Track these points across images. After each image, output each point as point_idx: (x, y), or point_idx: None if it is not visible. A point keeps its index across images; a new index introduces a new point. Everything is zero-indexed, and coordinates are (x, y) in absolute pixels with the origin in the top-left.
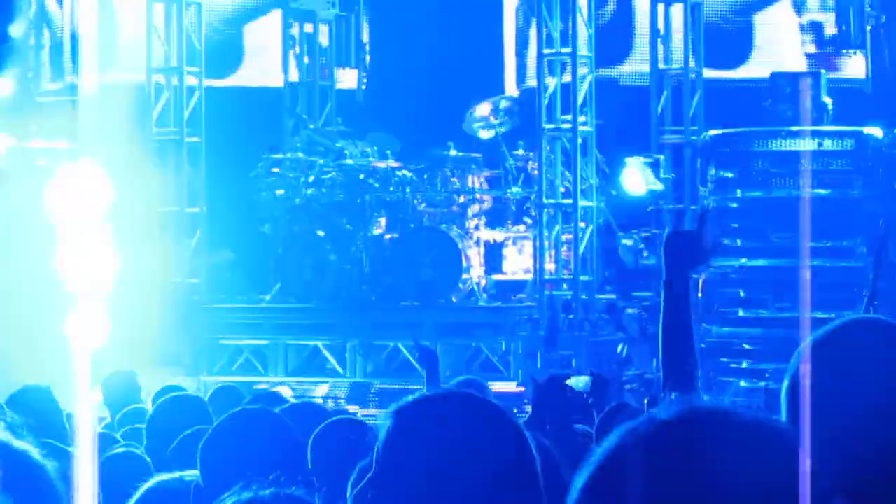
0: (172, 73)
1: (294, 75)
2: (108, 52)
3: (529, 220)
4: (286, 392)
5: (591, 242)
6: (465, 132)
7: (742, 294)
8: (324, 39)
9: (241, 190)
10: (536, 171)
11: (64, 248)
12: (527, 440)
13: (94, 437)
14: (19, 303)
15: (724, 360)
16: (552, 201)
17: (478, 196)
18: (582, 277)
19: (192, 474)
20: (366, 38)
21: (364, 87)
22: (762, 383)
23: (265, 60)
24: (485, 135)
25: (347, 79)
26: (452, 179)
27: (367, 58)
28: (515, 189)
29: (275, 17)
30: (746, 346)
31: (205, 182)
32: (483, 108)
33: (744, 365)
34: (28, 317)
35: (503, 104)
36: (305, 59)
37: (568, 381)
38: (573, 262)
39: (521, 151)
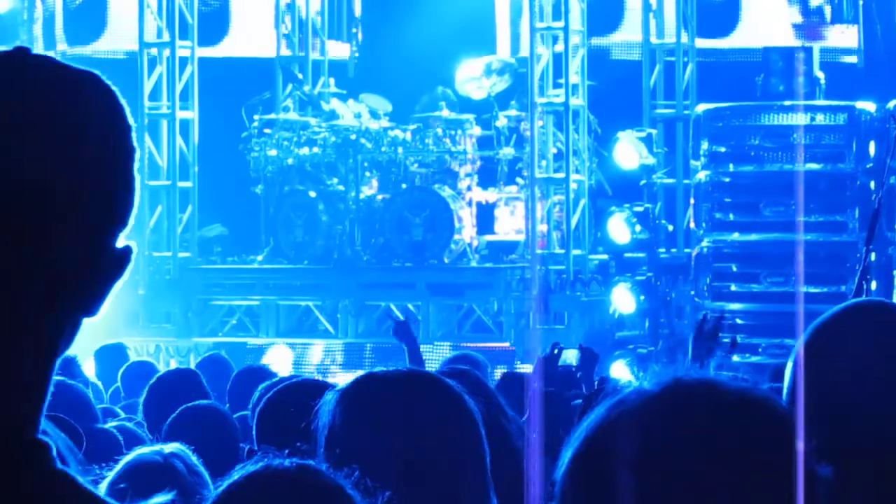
0: (165, 46)
1: (285, 48)
2: (99, 24)
3: (521, 181)
4: (285, 353)
5: (583, 216)
6: (456, 93)
7: (735, 269)
8: (316, 12)
9: (233, 153)
10: (528, 132)
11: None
12: (476, 419)
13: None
14: None
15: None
16: (544, 175)
17: (469, 156)
18: (574, 251)
19: (172, 447)
20: (358, 11)
21: (356, 60)
22: (755, 358)
23: (256, 33)
24: (477, 95)
25: (339, 52)
26: (444, 140)
27: (359, 31)
28: (507, 150)
29: None
30: (739, 321)
31: (196, 156)
32: (473, 67)
33: (737, 339)
34: None
35: (494, 64)
36: (297, 33)
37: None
38: (565, 233)
39: (513, 112)
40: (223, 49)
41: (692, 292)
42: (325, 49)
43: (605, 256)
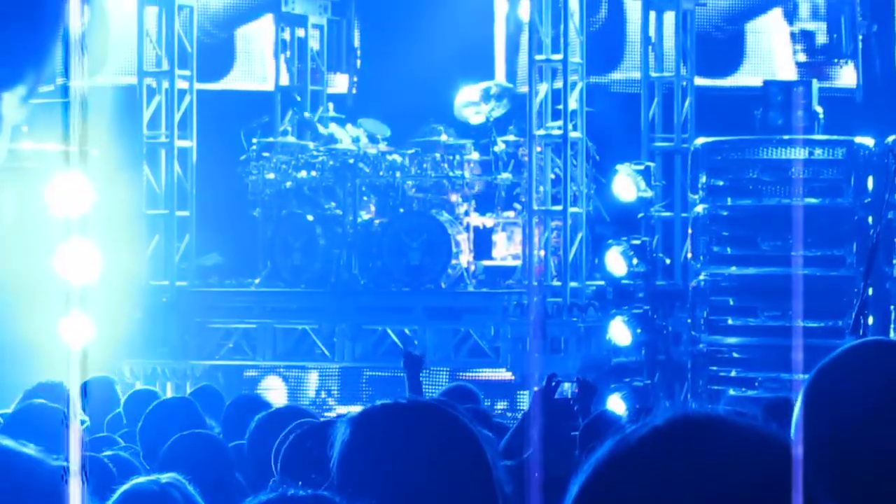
0: (164, 76)
1: (285, 79)
2: (100, 54)
3: (519, 206)
4: (276, 384)
5: (581, 248)
6: (455, 118)
7: (732, 302)
8: (315, 44)
9: (230, 181)
10: (527, 158)
11: (56, 248)
12: (483, 451)
13: (82, 438)
14: (6, 303)
15: (714, 368)
16: (543, 208)
17: (468, 181)
18: (571, 284)
19: (168, 476)
20: (357, 42)
21: (355, 91)
22: (751, 392)
23: (256, 65)
24: (475, 120)
25: (339, 83)
26: (442, 164)
27: (359, 62)
28: (505, 175)
29: (266, 21)
30: (736, 355)
31: (194, 185)
32: (471, 92)
33: (733, 373)
34: (14, 317)
35: (493, 89)
36: (297, 64)
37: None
38: (562, 264)
39: (511, 137)
40: (225, 83)
41: (689, 320)
42: (324, 80)
43: (602, 282)
